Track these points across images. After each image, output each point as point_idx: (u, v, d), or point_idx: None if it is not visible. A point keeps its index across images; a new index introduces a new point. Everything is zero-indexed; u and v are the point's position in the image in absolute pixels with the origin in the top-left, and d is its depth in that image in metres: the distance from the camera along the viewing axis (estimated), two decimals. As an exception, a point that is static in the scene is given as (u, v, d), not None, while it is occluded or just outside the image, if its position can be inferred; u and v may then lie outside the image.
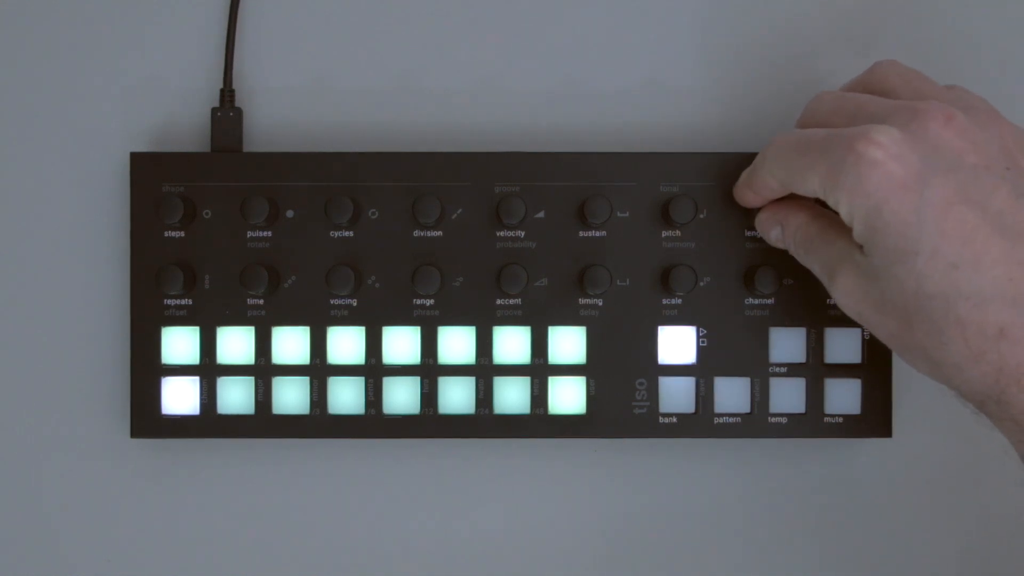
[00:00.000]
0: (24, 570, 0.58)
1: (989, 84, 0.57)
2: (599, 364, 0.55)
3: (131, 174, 0.55)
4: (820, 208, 0.52)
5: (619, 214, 0.55)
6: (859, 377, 0.55)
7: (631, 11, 0.58)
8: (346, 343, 0.55)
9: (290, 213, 0.55)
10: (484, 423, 0.55)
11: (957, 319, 0.45)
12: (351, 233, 0.55)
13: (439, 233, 0.55)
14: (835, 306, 0.55)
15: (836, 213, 0.49)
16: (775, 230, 0.53)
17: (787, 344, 0.55)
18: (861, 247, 0.48)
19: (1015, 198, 0.46)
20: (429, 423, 0.55)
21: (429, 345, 0.55)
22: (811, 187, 0.48)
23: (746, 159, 0.54)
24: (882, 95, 0.51)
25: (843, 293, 0.49)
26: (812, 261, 0.51)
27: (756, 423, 0.55)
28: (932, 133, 0.46)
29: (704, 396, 0.55)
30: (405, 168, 0.55)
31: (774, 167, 0.50)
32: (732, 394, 0.55)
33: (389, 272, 0.55)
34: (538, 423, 0.55)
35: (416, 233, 0.55)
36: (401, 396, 0.55)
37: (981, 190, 0.46)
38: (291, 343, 0.55)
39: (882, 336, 0.49)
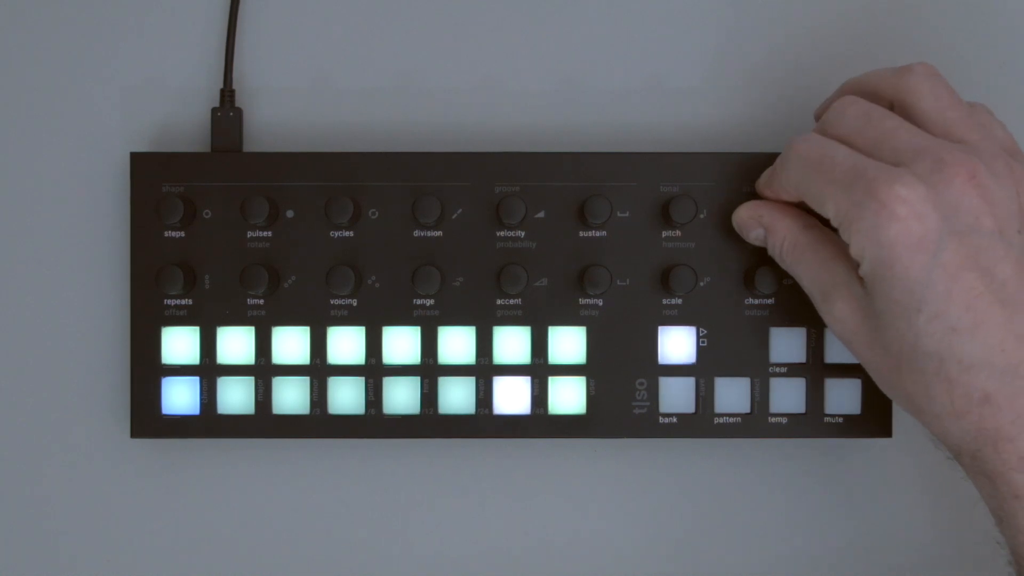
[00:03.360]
0: (24, 570, 0.58)
1: (1003, 91, 0.57)
2: (599, 364, 0.55)
3: (131, 174, 0.55)
4: (812, 218, 0.52)
5: (619, 214, 0.55)
6: (859, 377, 0.55)
7: (631, 11, 0.58)
8: (346, 343, 0.55)
9: (290, 213, 0.55)
10: (484, 423, 0.55)
11: (947, 378, 0.46)
12: (351, 233, 0.55)
13: (439, 233, 0.55)
14: (835, 306, 0.55)
15: (833, 229, 0.49)
16: (756, 232, 0.53)
17: (787, 344, 0.55)
18: (862, 279, 0.48)
19: (1019, 270, 0.46)
20: (429, 423, 0.55)
21: (429, 345, 0.55)
22: (827, 212, 0.48)
23: (746, 159, 0.54)
24: (909, 111, 0.50)
25: (837, 320, 0.49)
26: (801, 274, 0.51)
27: (756, 423, 0.55)
28: (955, 189, 0.46)
29: (704, 396, 0.55)
30: (405, 168, 0.55)
31: (793, 178, 0.50)
32: (732, 394, 0.55)
33: (389, 272, 0.55)
34: (538, 423, 0.55)
35: (416, 233, 0.55)
36: (401, 396, 0.55)
37: (991, 257, 0.46)
38: (291, 343, 0.55)
39: (868, 367, 0.50)
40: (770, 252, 0.53)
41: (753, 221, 0.53)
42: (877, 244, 0.46)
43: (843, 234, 0.48)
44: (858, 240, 0.47)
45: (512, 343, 0.55)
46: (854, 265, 0.48)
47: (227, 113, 0.57)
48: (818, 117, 0.54)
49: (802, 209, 0.52)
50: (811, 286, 0.51)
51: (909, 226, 0.46)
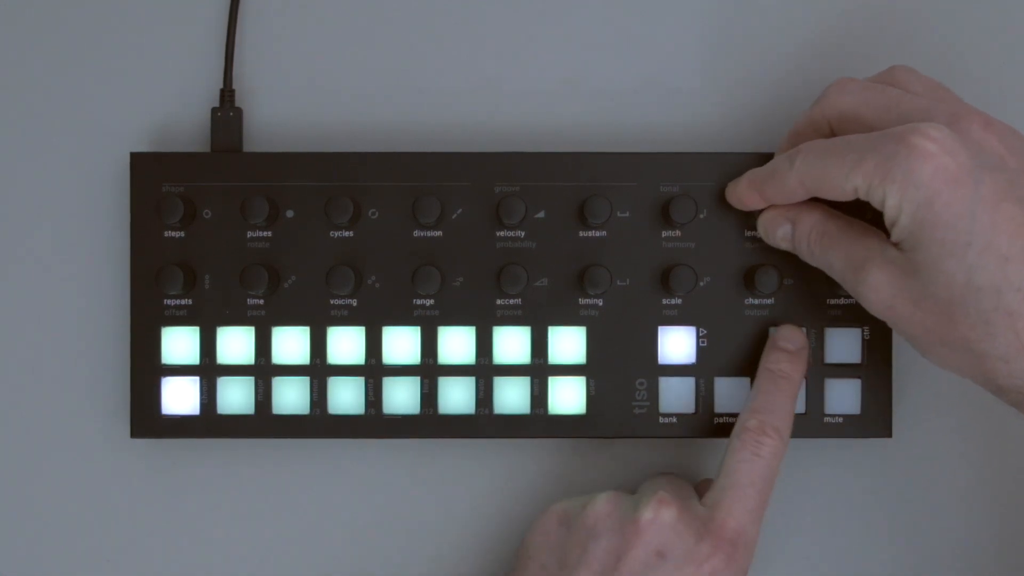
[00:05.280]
0: (24, 570, 0.58)
1: (987, 89, 0.57)
2: (599, 364, 0.55)
3: (131, 174, 0.55)
4: (833, 209, 0.52)
5: (619, 214, 0.55)
6: (859, 377, 0.55)
7: (631, 11, 0.58)
8: (346, 343, 0.55)
9: (290, 213, 0.55)
10: (484, 423, 0.55)
11: (1007, 311, 0.46)
12: (351, 233, 0.55)
13: (439, 233, 0.55)
14: (835, 306, 0.55)
15: (855, 216, 0.49)
16: (783, 228, 0.53)
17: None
18: (896, 244, 0.48)
19: None
20: (429, 423, 0.55)
21: (429, 345, 0.55)
22: (852, 185, 0.48)
23: (746, 159, 0.54)
24: None
25: (873, 289, 0.49)
26: (832, 258, 0.51)
27: (756, 423, 0.55)
28: (975, 135, 0.47)
29: (704, 396, 0.55)
30: (405, 168, 0.55)
31: (806, 171, 0.50)
32: (732, 394, 0.55)
33: (389, 272, 0.55)
34: (538, 423, 0.55)
35: (416, 233, 0.55)
36: (401, 396, 0.55)
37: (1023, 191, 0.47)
38: (291, 343, 0.55)
39: (915, 331, 0.49)
40: (796, 245, 0.52)
41: (780, 218, 0.52)
42: (915, 186, 0.46)
43: (874, 198, 0.47)
44: (895, 191, 0.46)
45: (512, 343, 0.55)
46: (885, 236, 0.49)
47: (227, 113, 0.57)
48: (783, 149, 0.54)
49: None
50: (843, 265, 0.50)
51: (943, 162, 0.46)
